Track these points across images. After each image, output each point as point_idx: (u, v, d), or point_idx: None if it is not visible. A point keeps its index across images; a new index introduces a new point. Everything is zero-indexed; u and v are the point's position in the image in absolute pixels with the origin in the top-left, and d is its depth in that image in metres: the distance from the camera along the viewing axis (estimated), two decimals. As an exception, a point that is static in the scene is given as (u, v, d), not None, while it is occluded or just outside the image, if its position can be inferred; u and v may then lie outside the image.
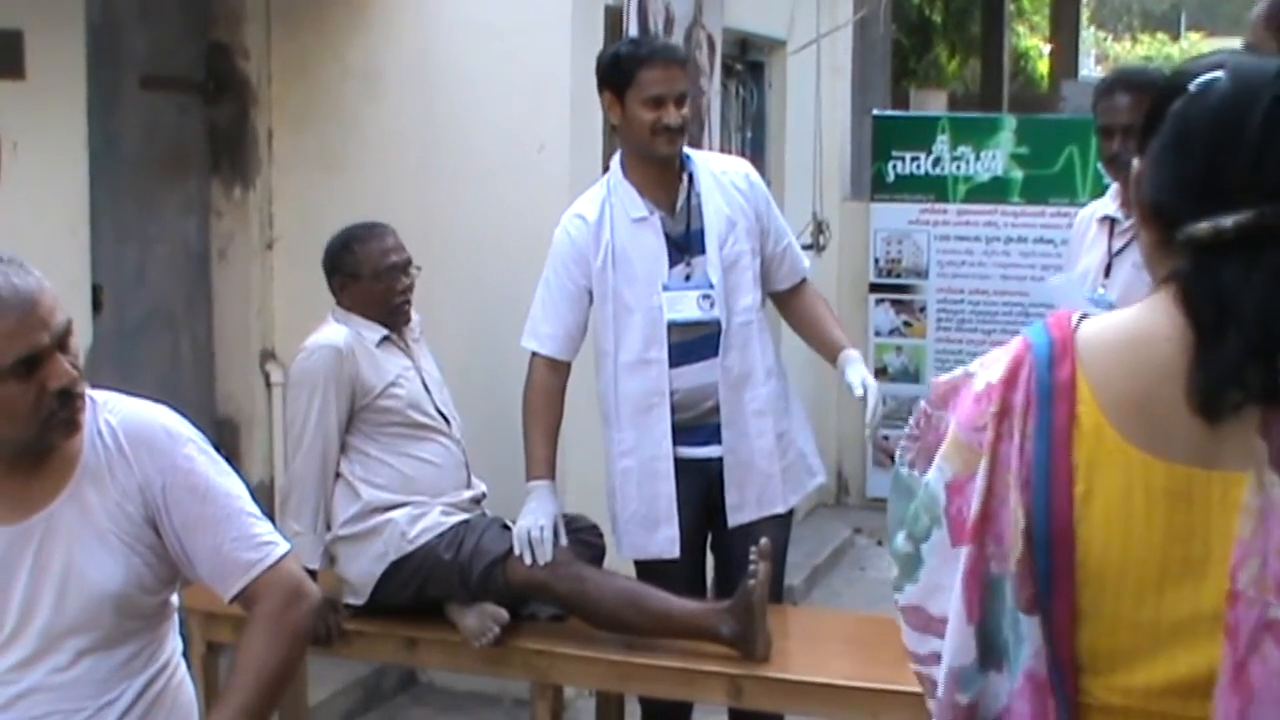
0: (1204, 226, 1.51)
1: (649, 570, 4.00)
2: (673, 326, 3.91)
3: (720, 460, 3.96)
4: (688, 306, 3.93)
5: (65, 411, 2.34)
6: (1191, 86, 1.55)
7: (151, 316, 4.96)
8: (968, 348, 7.96)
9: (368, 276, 4.11)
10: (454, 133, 5.11)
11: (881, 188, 8.10)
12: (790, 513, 4.13)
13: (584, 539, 3.96)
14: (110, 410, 2.48)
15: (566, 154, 5.03)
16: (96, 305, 4.52)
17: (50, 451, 2.39)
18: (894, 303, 8.10)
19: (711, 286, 3.93)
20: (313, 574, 3.61)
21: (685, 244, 3.96)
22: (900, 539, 1.73)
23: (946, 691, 1.67)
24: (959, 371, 1.76)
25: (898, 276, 8.09)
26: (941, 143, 8.02)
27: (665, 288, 3.94)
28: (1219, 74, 1.55)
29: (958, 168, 8.00)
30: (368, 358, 4.03)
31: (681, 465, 3.94)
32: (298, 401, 4.02)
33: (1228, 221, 1.50)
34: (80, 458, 2.43)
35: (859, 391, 3.84)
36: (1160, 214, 1.59)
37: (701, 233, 3.95)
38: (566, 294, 3.98)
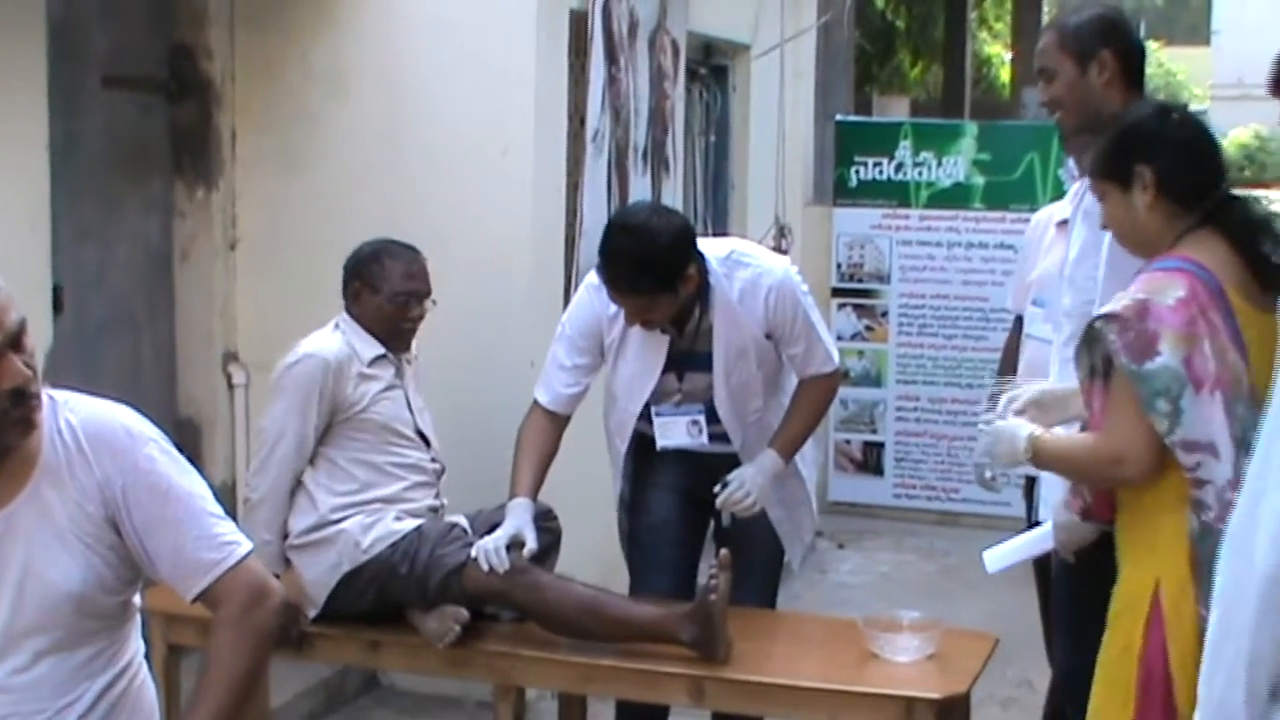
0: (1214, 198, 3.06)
1: (649, 534, 4.11)
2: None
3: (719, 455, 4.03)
4: (678, 433, 4.03)
5: (19, 411, 2.33)
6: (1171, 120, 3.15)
7: (113, 317, 4.93)
8: (929, 352, 8.01)
9: (385, 293, 4.10)
10: (418, 135, 5.10)
11: (844, 193, 8.13)
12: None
13: (539, 525, 3.95)
14: (70, 409, 2.47)
15: (530, 156, 5.03)
16: (57, 305, 4.50)
17: (7, 451, 2.38)
18: (856, 307, 8.13)
19: (701, 412, 4.00)
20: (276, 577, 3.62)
21: (687, 363, 4.00)
22: (1160, 403, 2.87)
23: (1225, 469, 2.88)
24: (1130, 298, 2.93)
25: (860, 281, 8.13)
26: (904, 148, 8.07)
27: (658, 413, 4.03)
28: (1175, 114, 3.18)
29: (920, 173, 8.04)
30: (355, 374, 4.02)
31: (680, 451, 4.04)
32: (277, 408, 4.01)
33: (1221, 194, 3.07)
34: (39, 457, 2.41)
35: (723, 486, 3.94)
36: (1182, 199, 3.04)
37: (707, 357, 3.97)
38: (571, 355, 4.05)
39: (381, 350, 4.09)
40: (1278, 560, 2.01)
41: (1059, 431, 3.23)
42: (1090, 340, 3.01)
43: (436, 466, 4.17)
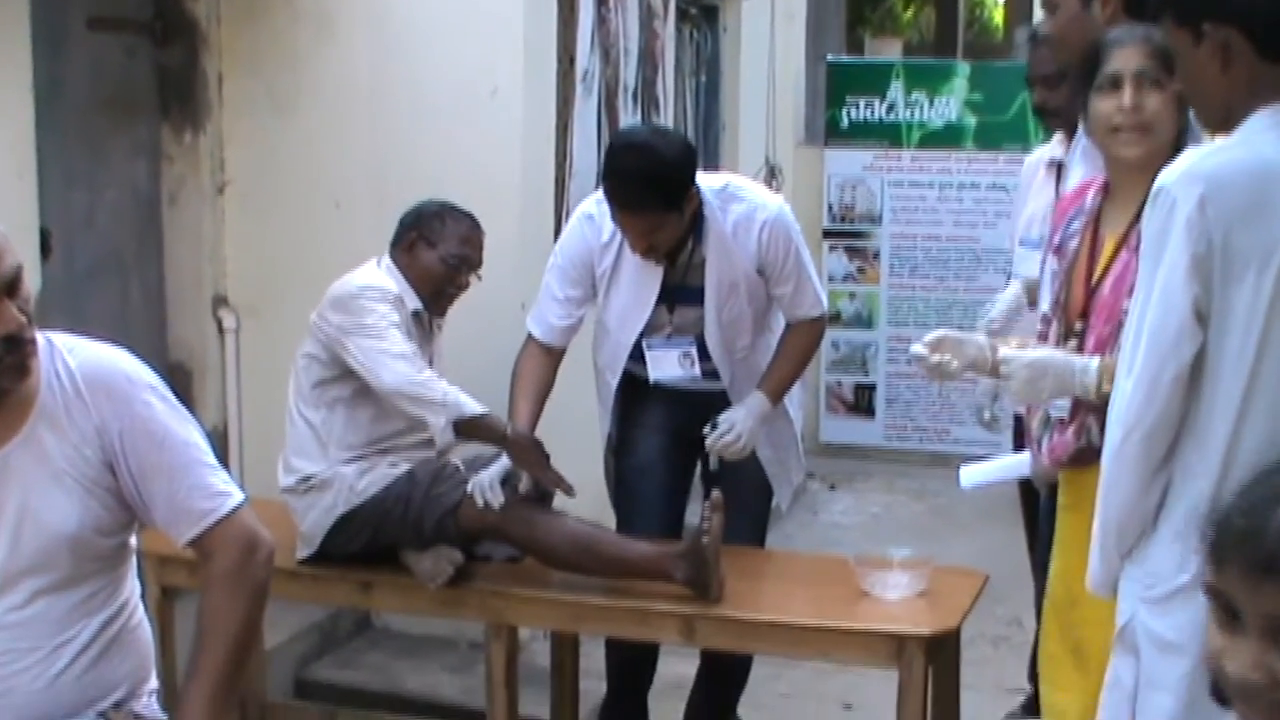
0: None
1: (635, 473, 4.13)
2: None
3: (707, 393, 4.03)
4: (670, 365, 4.03)
5: (12, 357, 2.33)
6: None
7: (101, 262, 4.91)
8: (921, 294, 8.01)
9: (441, 252, 4.07)
10: (406, 76, 5.07)
11: (835, 134, 8.10)
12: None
13: None
14: (69, 353, 2.47)
15: (520, 98, 5.00)
16: (45, 250, 4.48)
17: (2, 395, 2.38)
18: (847, 249, 8.12)
19: (692, 344, 4.00)
20: (479, 418, 3.79)
21: (678, 295, 4.00)
22: None
23: None
24: None
25: (851, 223, 8.11)
26: (895, 89, 8.03)
27: (649, 346, 4.02)
28: None
29: (912, 114, 8.01)
30: (402, 316, 3.96)
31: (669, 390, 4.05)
32: (372, 331, 3.85)
33: None
34: (36, 400, 2.42)
35: (712, 428, 3.92)
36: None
37: (698, 291, 3.97)
38: (564, 287, 4.04)
39: (419, 305, 4.06)
40: (1114, 440, 2.48)
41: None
42: None
43: None
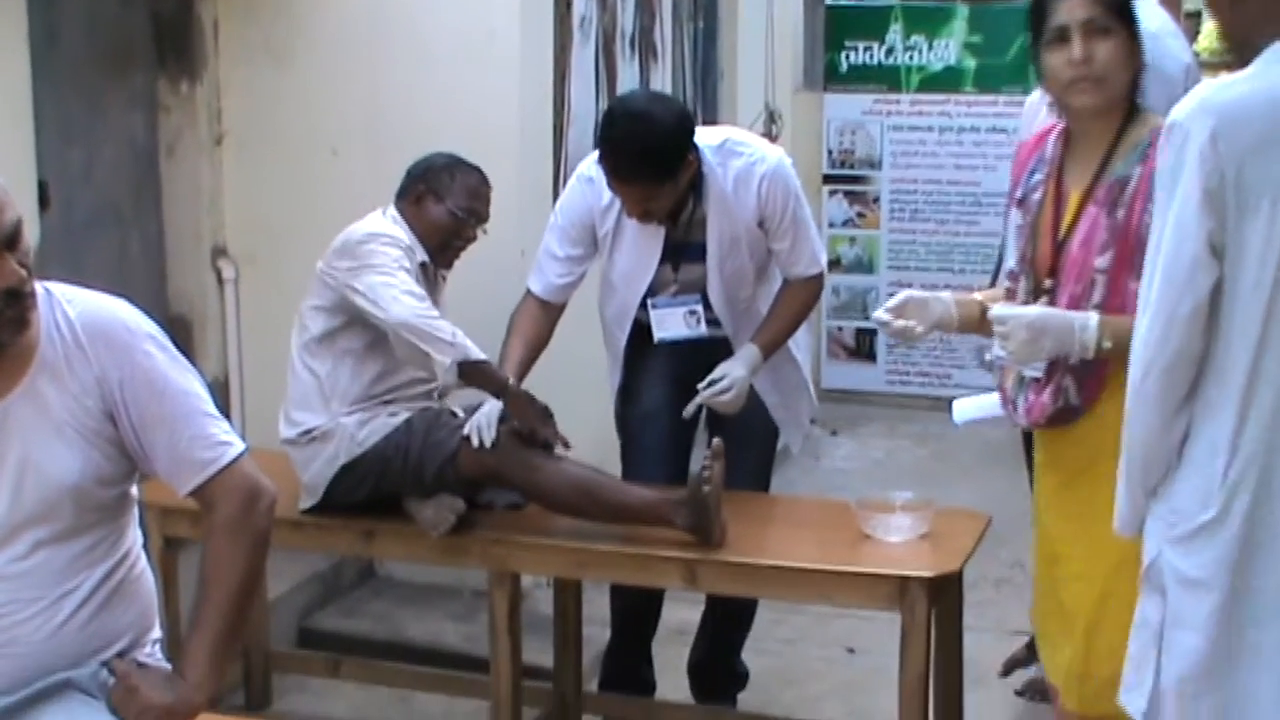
0: None
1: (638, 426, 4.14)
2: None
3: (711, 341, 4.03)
4: (675, 324, 4.02)
5: (12, 310, 2.33)
6: None
7: (100, 213, 4.90)
8: (921, 238, 7.99)
9: (449, 205, 4.05)
10: (402, 23, 5.04)
11: (834, 78, 8.07)
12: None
13: None
14: (68, 303, 2.47)
15: (516, 44, 4.97)
16: (43, 202, 4.47)
17: (2, 347, 2.38)
18: (847, 194, 8.10)
19: (698, 302, 3.99)
20: (481, 364, 3.75)
21: (682, 253, 3.98)
22: None
23: None
24: None
25: (851, 168, 8.09)
26: (894, 32, 8.00)
27: (654, 305, 4.02)
28: None
29: (911, 57, 7.98)
30: (410, 266, 3.94)
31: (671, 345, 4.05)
32: (381, 268, 3.83)
33: None
34: (36, 351, 2.42)
35: (718, 377, 3.91)
36: None
37: (701, 247, 3.96)
38: (564, 246, 4.04)
39: (425, 258, 4.05)
40: (1135, 378, 2.52)
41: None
42: None
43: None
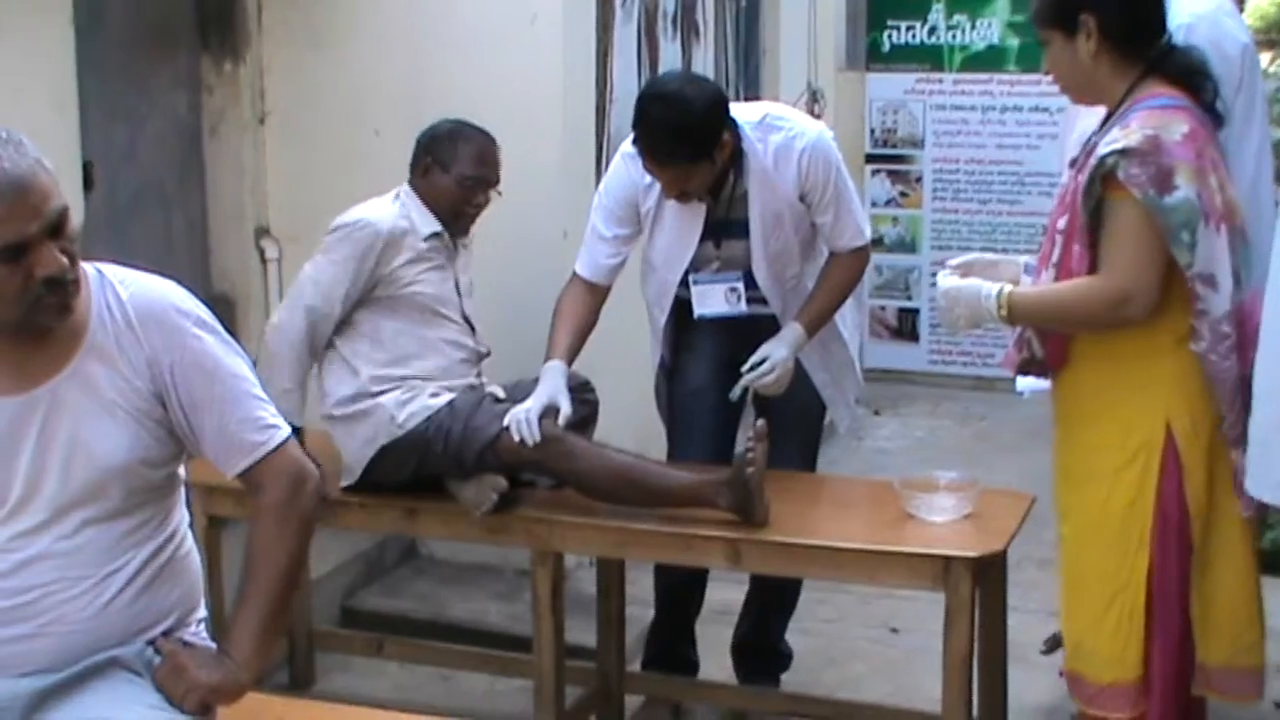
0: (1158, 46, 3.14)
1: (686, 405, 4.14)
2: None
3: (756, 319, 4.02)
4: (716, 301, 4.01)
5: (55, 297, 2.34)
6: None
7: (143, 193, 4.92)
8: (964, 217, 7.96)
9: (454, 175, 4.06)
10: (446, 3, 5.04)
11: (877, 57, 8.04)
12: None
13: (576, 397, 3.94)
14: (120, 284, 2.48)
15: (559, 24, 4.96)
16: (88, 183, 4.49)
17: (46, 331, 2.39)
18: (890, 173, 8.08)
19: (739, 279, 3.98)
20: (299, 430, 3.60)
21: (723, 230, 3.97)
22: (1184, 234, 2.92)
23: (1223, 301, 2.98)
24: (1139, 133, 2.95)
25: (894, 147, 8.06)
26: (937, 11, 7.97)
27: (695, 281, 4.00)
28: None
29: (953, 36, 7.95)
30: (408, 249, 3.99)
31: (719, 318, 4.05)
32: (319, 258, 3.99)
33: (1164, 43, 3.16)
34: (87, 332, 2.43)
35: (759, 360, 3.90)
36: (1126, 47, 3.10)
37: (743, 224, 3.94)
38: (610, 226, 4.03)
39: (438, 228, 4.06)
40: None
41: (1026, 282, 3.24)
42: (1100, 177, 3.00)
43: (481, 349, 4.16)
